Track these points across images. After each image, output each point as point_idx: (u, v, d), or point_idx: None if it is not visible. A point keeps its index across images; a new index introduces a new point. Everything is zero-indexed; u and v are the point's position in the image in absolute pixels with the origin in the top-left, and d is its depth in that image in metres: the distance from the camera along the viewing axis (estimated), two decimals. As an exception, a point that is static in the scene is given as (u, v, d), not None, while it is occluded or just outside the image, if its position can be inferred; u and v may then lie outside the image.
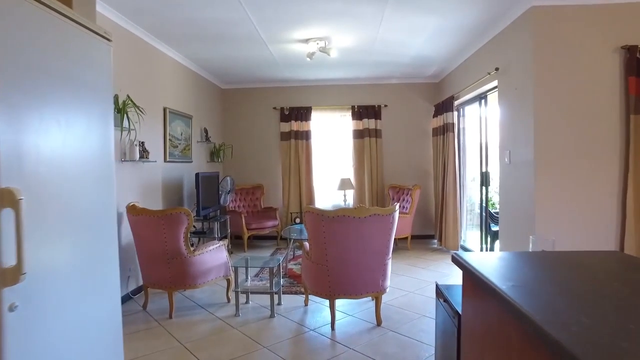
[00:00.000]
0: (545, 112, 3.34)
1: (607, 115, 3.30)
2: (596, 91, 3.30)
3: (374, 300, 3.24)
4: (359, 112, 6.57)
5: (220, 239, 5.19)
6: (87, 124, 1.37)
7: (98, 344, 1.49)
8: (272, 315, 3.34)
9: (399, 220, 4.84)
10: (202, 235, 5.04)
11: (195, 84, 5.64)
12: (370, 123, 6.53)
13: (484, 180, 5.02)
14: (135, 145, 3.81)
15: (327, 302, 3.36)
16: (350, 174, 6.66)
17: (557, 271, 1.21)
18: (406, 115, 6.63)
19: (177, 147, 4.98)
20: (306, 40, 4.47)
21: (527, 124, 3.47)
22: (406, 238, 5.83)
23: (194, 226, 5.11)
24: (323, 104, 6.69)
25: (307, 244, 3.37)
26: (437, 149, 6.06)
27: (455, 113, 5.58)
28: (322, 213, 2.93)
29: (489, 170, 4.95)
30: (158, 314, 3.42)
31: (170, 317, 3.34)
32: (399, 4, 3.51)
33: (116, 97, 3.44)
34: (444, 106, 5.74)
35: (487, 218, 5.01)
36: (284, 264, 4.87)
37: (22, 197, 1.04)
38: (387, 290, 3.21)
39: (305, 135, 6.64)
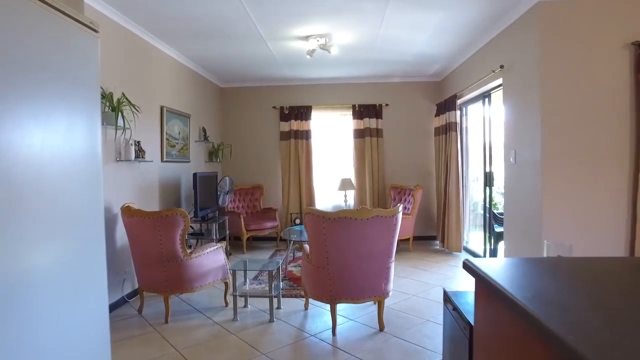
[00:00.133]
0: (553, 111, 3.24)
1: (616, 113, 3.20)
2: (605, 88, 3.19)
3: (376, 304, 3.14)
4: (360, 111, 6.47)
5: (219, 240, 5.09)
6: (70, 120, 1.27)
7: (82, 358, 1.39)
8: (271, 320, 3.24)
9: (401, 222, 4.74)
10: (200, 237, 4.93)
11: (193, 82, 5.54)
12: (371, 122, 6.43)
13: (488, 180, 4.92)
14: (131, 144, 3.71)
15: (327, 306, 3.26)
16: (351, 174, 6.56)
17: (581, 281, 1.11)
18: (408, 115, 6.53)
19: (174, 146, 4.88)
20: (306, 37, 4.37)
21: (533, 122, 3.37)
22: (408, 239, 5.73)
23: (192, 227, 5.01)
24: (323, 103, 6.59)
25: (307, 246, 3.27)
26: (439, 149, 5.96)
27: (458, 112, 5.48)
28: (322, 215, 2.83)
29: (492, 170, 4.85)
30: (154, 319, 3.32)
31: (166, 321, 3.24)
32: (402, -1, 3.41)
33: (110, 95, 3.34)
34: (447, 105, 5.64)
35: (491, 219, 4.91)
36: (284, 266, 4.76)
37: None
38: (390, 294, 3.11)
39: (305, 135, 6.53)
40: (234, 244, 6.03)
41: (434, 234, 6.40)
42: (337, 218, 2.79)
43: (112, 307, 3.51)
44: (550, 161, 3.24)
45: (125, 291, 3.73)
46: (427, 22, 3.98)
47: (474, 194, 5.83)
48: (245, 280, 3.57)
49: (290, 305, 3.61)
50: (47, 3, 1.18)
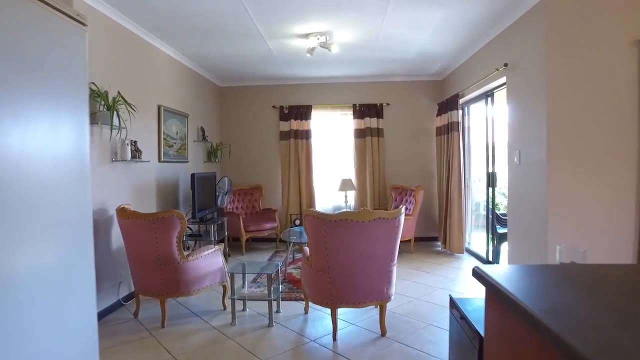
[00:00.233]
0: (559, 109, 3.16)
1: (625, 112, 3.11)
2: (613, 86, 3.11)
3: (378, 308, 3.06)
4: (361, 111, 6.39)
5: (218, 241, 5.01)
6: (54, 119, 1.19)
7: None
8: (270, 324, 3.16)
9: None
10: (199, 238, 4.86)
11: (191, 81, 5.45)
12: (372, 122, 6.35)
13: (490, 181, 4.84)
14: (127, 144, 3.63)
15: (328, 309, 3.18)
16: (351, 174, 6.48)
17: (604, 292, 1.03)
18: (409, 114, 6.45)
19: (172, 146, 4.80)
20: (306, 35, 4.29)
21: (538, 122, 3.29)
22: (409, 241, 5.65)
23: (190, 228, 4.93)
24: (323, 103, 6.51)
25: (307, 249, 3.19)
26: (440, 149, 5.88)
27: (460, 112, 5.40)
28: (323, 217, 2.74)
29: (495, 170, 4.77)
30: (150, 323, 3.24)
31: (163, 326, 3.16)
32: (404, -5, 3.33)
33: (106, 94, 3.26)
34: (448, 104, 5.56)
35: (494, 220, 4.83)
36: (283, 268, 4.68)
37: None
38: (392, 298, 3.03)
39: (305, 135, 6.45)
40: (233, 245, 5.95)
41: (435, 235, 6.32)
42: (338, 220, 2.71)
43: (108, 311, 3.43)
44: (556, 161, 3.16)
45: (121, 294, 3.65)
46: (430, 19, 3.90)
47: (475, 194, 5.75)
48: (243, 283, 3.49)
49: (290, 308, 3.53)
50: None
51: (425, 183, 6.33)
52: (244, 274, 3.41)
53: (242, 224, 5.65)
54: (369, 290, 2.87)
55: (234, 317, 3.22)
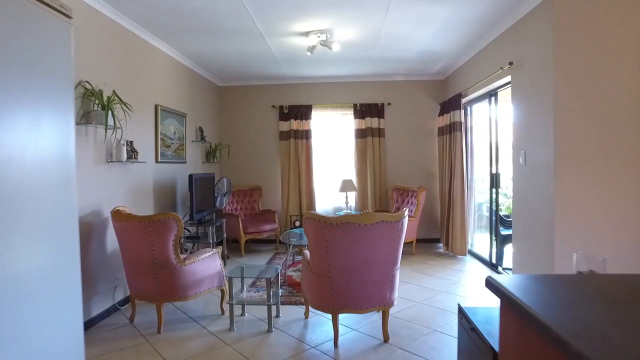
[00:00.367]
0: (566, 109, 3.07)
1: (635, 111, 3.02)
2: (624, 85, 3.02)
3: (380, 313, 2.96)
4: (362, 111, 6.30)
5: (217, 243, 4.92)
6: (34, 117, 1.10)
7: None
8: (269, 330, 3.07)
9: (405, 225, 4.57)
10: (197, 240, 4.77)
11: (189, 80, 5.36)
12: (373, 122, 6.26)
13: (494, 182, 4.75)
14: (123, 144, 3.54)
15: (329, 314, 3.08)
16: (352, 175, 6.39)
17: (636, 308, 0.94)
18: (411, 114, 6.36)
19: (169, 147, 4.71)
20: (306, 33, 4.20)
21: (545, 122, 3.20)
22: (411, 242, 5.56)
23: (188, 230, 4.84)
24: (324, 102, 6.42)
25: (307, 252, 3.10)
26: (443, 149, 5.79)
27: (462, 111, 5.31)
28: (324, 220, 2.65)
29: (499, 171, 4.69)
30: (145, 328, 3.15)
31: (159, 331, 3.06)
32: (407, -8, 3.24)
33: (100, 93, 3.17)
34: (451, 104, 5.47)
35: (497, 222, 4.74)
36: (283, 271, 4.59)
37: None
38: (395, 303, 2.94)
39: (305, 135, 6.36)
40: (232, 247, 5.86)
41: (437, 237, 6.24)
42: (340, 223, 2.62)
43: (103, 315, 3.34)
44: (563, 162, 3.07)
45: (116, 298, 3.56)
46: (433, 16, 3.81)
47: (478, 195, 5.66)
48: (242, 288, 3.40)
49: (290, 313, 3.44)
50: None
51: (426, 184, 6.24)
52: (242, 278, 3.32)
53: (241, 226, 5.56)
54: (371, 295, 2.78)
55: (232, 323, 3.13)
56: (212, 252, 3.39)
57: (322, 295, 2.81)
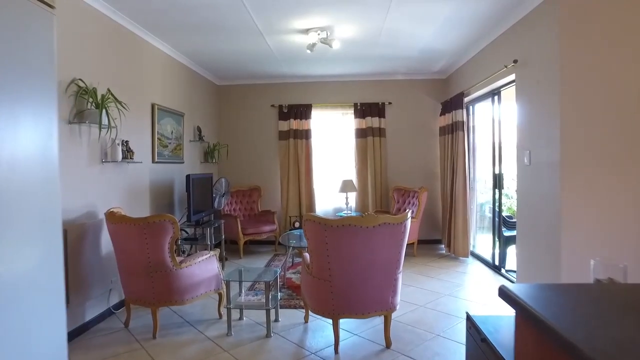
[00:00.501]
0: (574, 108, 2.98)
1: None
2: (633, 83, 2.93)
3: (382, 317, 2.88)
4: (362, 110, 6.21)
5: (215, 245, 4.83)
6: (10, 114, 1.01)
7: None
8: (268, 335, 2.98)
9: (406, 226, 4.48)
10: (194, 242, 4.68)
11: (187, 79, 5.28)
12: (373, 121, 6.17)
13: (497, 182, 4.67)
14: (118, 144, 3.45)
15: (329, 319, 3.00)
16: (352, 175, 6.30)
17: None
18: (412, 113, 6.27)
19: (167, 146, 4.62)
20: (306, 31, 4.11)
21: (551, 121, 3.12)
22: (412, 244, 5.47)
23: (186, 232, 4.76)
24: (324, 102, 6.33)
25: (307, 255, 3.01)
26: (444, 149, 5.71)
27: (465, 111, 5.23)
28: (324, 222, 2.57)
29: (502, 171, 4.60)
30: (141, 333, 3.06)
31: (154, 337, 2.98)
32: (410, -13, 3.16)
33: (94, 91, 3.08)
34: (453, 103, 5.38)
35: (500, 223, 4.66)
36: (282, 273, 4.51)
37: None
38: (397, 307, 2.85)
39: (305, 135, 6.27)
40: (231, 248, 5.77)
41: (438, 238, 6.15)
42: (341, 226, 2.53)
43: (97, 320, 3.26)
44: (570, 162, 2.98)
45: (111, 302, 3.47)
46: (436, 13, 3.73)
47: (479, 196, 5.58)
48: (240, 291, 3.31)
49: (289, 317, 3.36)
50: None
51: (428, 184, 6.15)
52: (240, 281, 3.23)
53: (239, 227, 5.48)
54: (373, 300, 2.70)
55: (229, 327, 3.04)
56: (209, 255, 3.30)
57: (322, 299, 2.73)
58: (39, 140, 1.11)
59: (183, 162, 5.04)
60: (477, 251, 5.38)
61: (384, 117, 6.22)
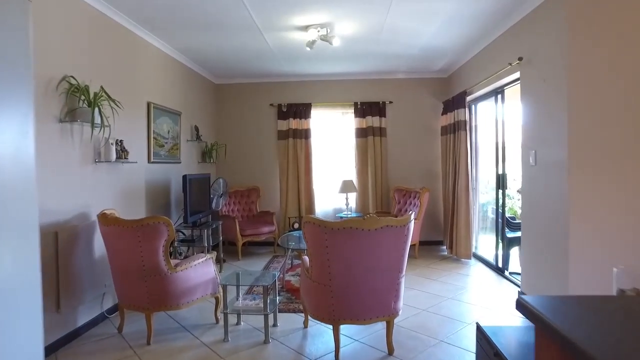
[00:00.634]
0: (582, 106, 2.88)
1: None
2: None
3: (384, 322, 2.78)
4: (362, 109, 6.12)
5: (212, 247, 4.73)
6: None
7: None
8: (266, 341, 2.89)
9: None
10: (191, 244, 4.58)
11: (184, 77, 5.17)
12: (374, 121, 6.07)
13: (500, 182, 4.57)
14: (112, 143, 3.35)
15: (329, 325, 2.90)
16: (352, 175, 6.21)
17: None
18: (413, 113, 6.18)
19: (163, 146, 4.52)
20: (306, 27, 4.01)
21: (558, 120, 3.02)
22: (414, 245, 5.37)
23: (183, 233, 4.65)
24: (323, 101, 6.23)
25: (306, 258, 2.91)
26: (446, 149, 5.61)
27: (467, 110, 5.13)
28: (324, 225, 2.47)
29: (505, 172, 4.51)
30: (135, 339, 2.96)
31: (148, 342, 2.88)
32: (412, -18, 3.06)
33: (86, 88, 2.98)
34: (455, 102, 5.29)
35: (503, 224, 4.57)
36: (281, 276, 4.41)
37: None
38: (400, 312, 2.76)
39: (305, 134, 6.17)
40: (229, 250, 5.67)
41: (440, 239, 6.05)
42: (341, 229, 2.43)
43: (90, 325, 3.16)
44: (578, 162, 2.88)
45: (105, 306, 3.37)
46: (438, 10, 3.63)
47: (481, 196, 5.48)
48: (237, 295, 3.21)
49: (288, 322, 3.26)
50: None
51: (429, 184, 6.06)
52: (238, 285, 3.14)
53: (238, 228, 5.38)
54: (375, 305, 2.60)
55: (226, 333, 2.94)
56: (205, 258, 3.20)
57: (322, 304, 2.63)
58: (12, 139, 1.01)
59: (180, 162, 4.95)
60: (480, 253, 5.28)
61: (384, 116, 6.13)
